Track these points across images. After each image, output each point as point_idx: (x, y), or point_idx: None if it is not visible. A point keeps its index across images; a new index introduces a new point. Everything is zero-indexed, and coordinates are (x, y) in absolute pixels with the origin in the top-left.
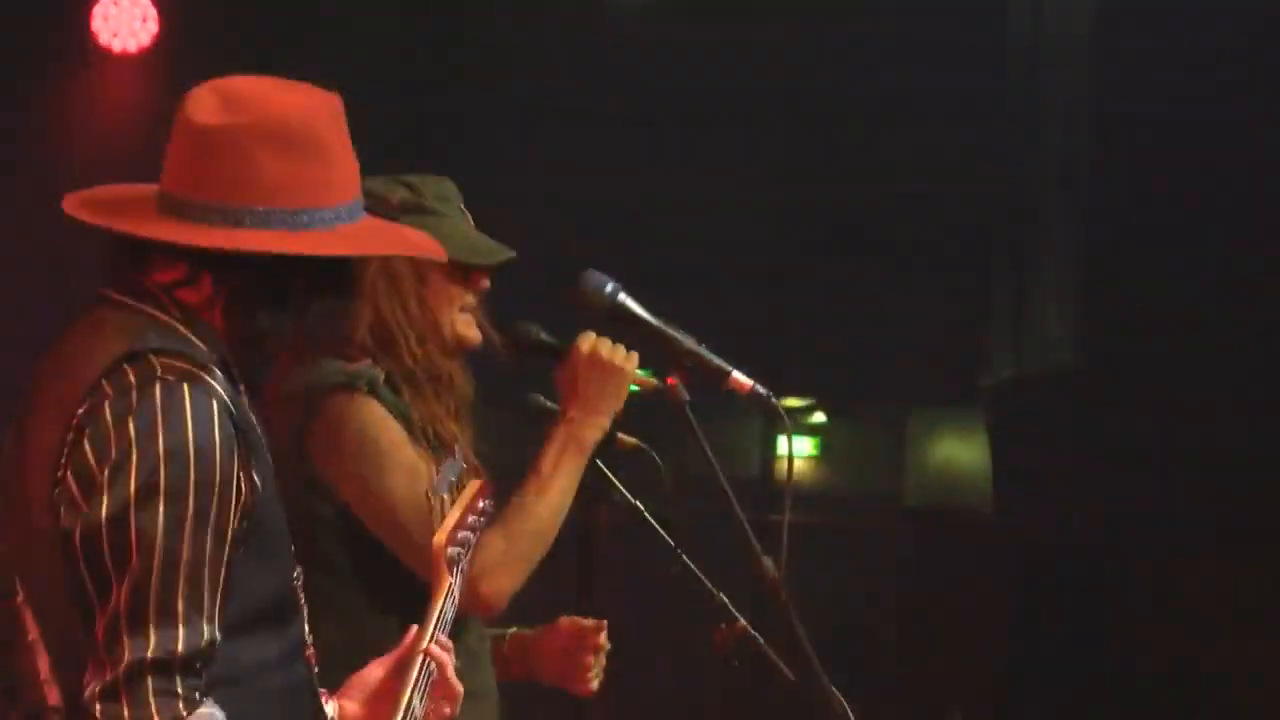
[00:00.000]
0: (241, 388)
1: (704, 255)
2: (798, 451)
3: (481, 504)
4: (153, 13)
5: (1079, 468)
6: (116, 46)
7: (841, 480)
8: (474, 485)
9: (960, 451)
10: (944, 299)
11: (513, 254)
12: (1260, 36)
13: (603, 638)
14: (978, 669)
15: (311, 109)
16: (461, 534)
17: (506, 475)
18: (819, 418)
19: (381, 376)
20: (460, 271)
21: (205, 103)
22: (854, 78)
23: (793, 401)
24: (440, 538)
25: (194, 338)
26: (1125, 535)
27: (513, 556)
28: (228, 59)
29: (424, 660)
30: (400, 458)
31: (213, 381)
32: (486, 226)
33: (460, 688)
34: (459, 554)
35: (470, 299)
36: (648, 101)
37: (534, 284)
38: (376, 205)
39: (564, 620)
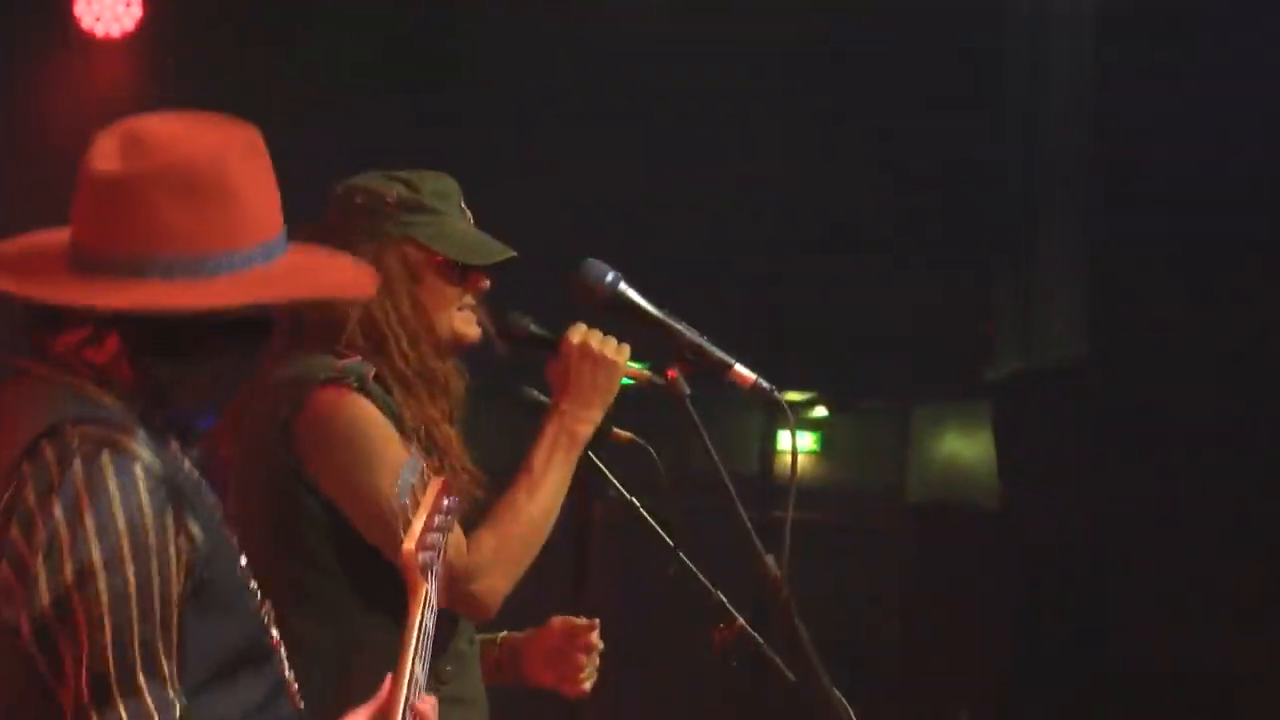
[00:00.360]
0: (168, 438)
1: (705, 248)
2: (799, 447)
3: (445, 502)
4: None
5: (1085, 464)
6: (99, 31)
7: (843, 476)
8: (435, 485)
9: (964, 447)
10: (947, 292)
11: (513, 253)
12: (1268, 29)
13: (595, 637)
14: (981, 668)
15: (219, 150)
16: (430, 537)
17: (501, 471)
18: (820, 412)
19: (371, 373)
20: (458, 271)
21: (106, 149)
22: (853, 72)
23: (794, 396)
24: (410, 545)
25: (108, 398)
26: (1131, 532)
27: (505, 556)
28: (213, 44)
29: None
30: (388, 455)
31: (135, 445)
32: (485, 223)
33: None
34: (430, 558)
35: (469, 299)
36: (646, 96)
37: (531, 278)
38: (372, 202)
39: (556, 620)
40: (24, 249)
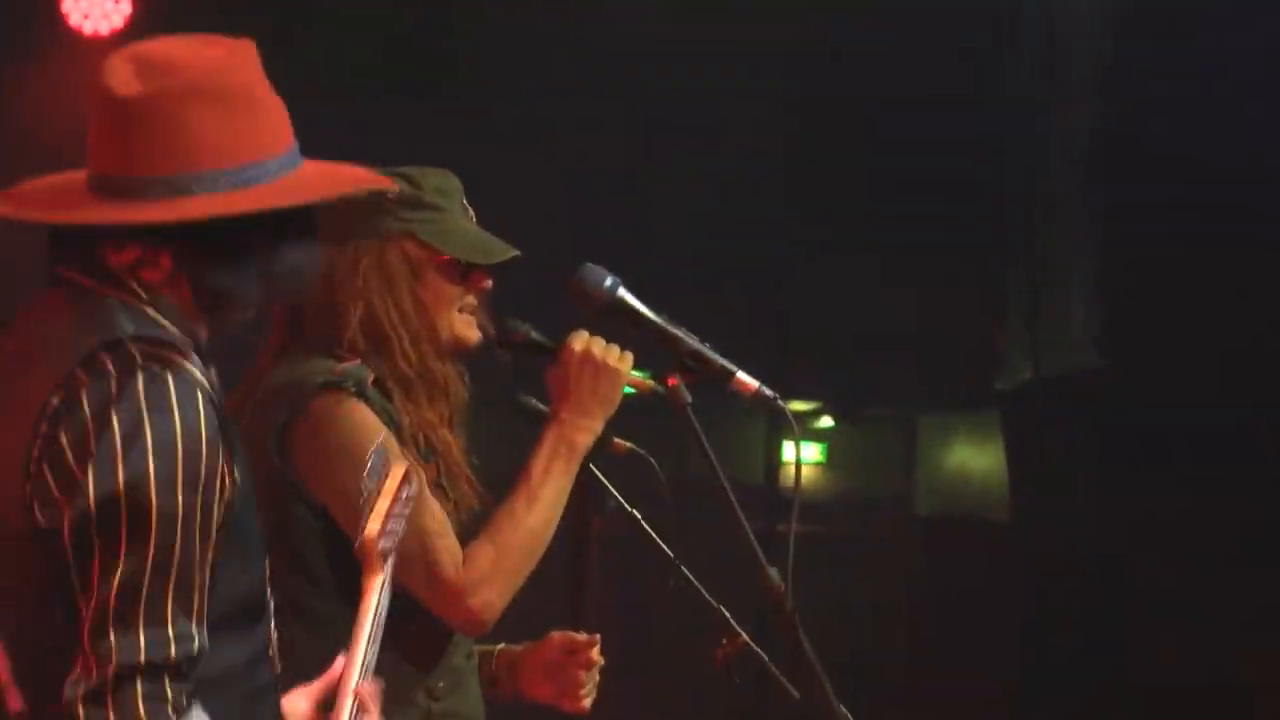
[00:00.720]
0: (210, 367)
1: (705, 251)
2: (804, 458)
3: (405, 492)
4: None
5: (1100, 474)
6: (87, 29)
7: (849, 487)
8: (398, 470)
9: (974, 457)
10: (956, 297)
11: (516, 252)
12: None
13: (596, 652)
14: (989, 682)
15: (232, 62)
16: (391, 524)
17: (500, 480)
18: (825, 422)
19: (371, 378)
20: (460, 270)
21: (122, 73)
22: (857, 72)
23: (798, 405)
24: (372, 529)
25: (165, 321)
26: (1144, 543)
27: (503, 569)
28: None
29: (353, 702)
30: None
31: (194, 369)
32: (484, 226)
33: None
34: (389, 546)
35: (470, 299)
36: (646, 97)
37: (531, 282)
38: (375, 198)
39: (555, 635)
40: (28, 191)
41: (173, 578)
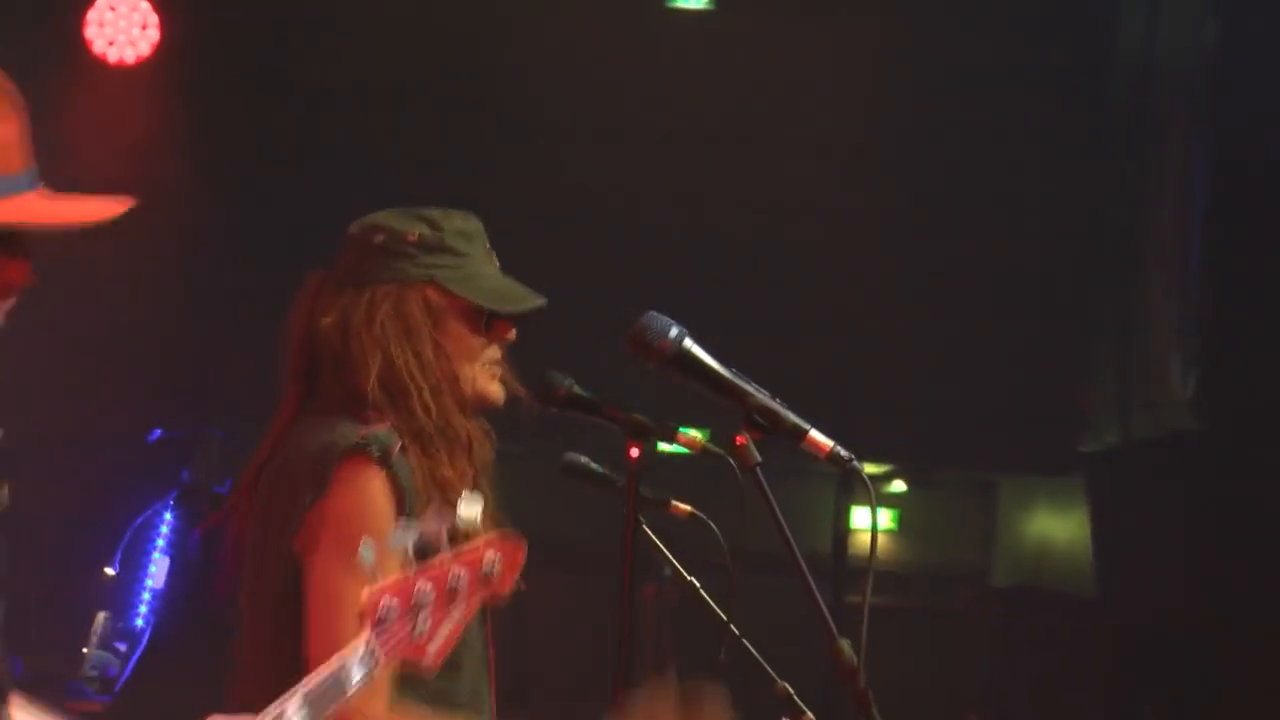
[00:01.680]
0: None
1: (768, 296)
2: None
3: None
4: (154, 19)
5: (1189, 544)
6: (112, 56)
7: (923, 557)
8: (446, 564)
9: (1056, 526)
10: (1041, 351)
11: (542, 301)
12: None
13: None
14: None
15: None
16: (392, 600)
17: (540, 543)
18: (898, 486)
19: (398, 445)
20: (483, 320)
21: None
22: (943, 113)
23: (868, 468)
24: (379, 588)
25: None
26: (1241, 617)
27: None
28: (231, 70)
29: None
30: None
31: None
32: (543, 273)
33: None
34: (390, 611)
35: (494, 351)
36: (713, 132)
37: (592, 336)
38: (392, 242)
39: None
40: None
41: None
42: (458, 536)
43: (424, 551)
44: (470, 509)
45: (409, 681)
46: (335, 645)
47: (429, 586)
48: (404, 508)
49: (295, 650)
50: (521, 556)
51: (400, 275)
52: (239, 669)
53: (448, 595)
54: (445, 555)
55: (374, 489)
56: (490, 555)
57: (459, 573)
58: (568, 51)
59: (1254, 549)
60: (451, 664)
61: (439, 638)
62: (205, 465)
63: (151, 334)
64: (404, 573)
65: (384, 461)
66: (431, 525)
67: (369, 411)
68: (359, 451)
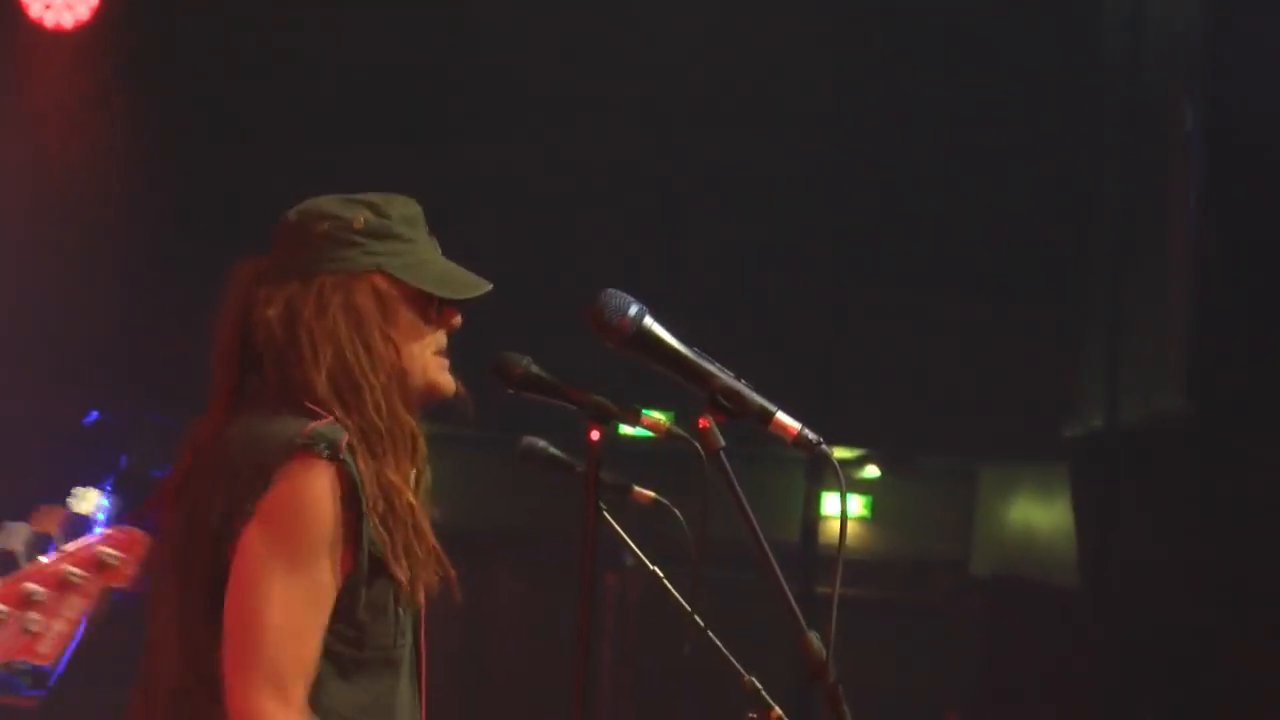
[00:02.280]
0: None
1: (737, 277)
2: (848, 511)
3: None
4: None
5: (1183, 534)
6: (49, 21)
7: (897, 545)
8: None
9: (1039, 514)
10: (1024, 333)
11: (489, 285)
12: None
13: None
14: None
15: None
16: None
17: (504, 533)
18: (871, 471)
19: (345, 439)
20: (433, 307)
21: None
22: (922, 105)
23: (841, 453)
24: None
25: None
26: (1238, 613)
27: None
28: (172, 36)
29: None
30: (311, 574)
31: None
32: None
33: None
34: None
35: (443, 338)
36: (695, 113)
37: (566, 319)
38: (337, 230)
39: None
40: None
41: None
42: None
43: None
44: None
45: (334, 682)
46: (259, 642)
47: (39, 587)
48: (353, 502)
49: (217, 666)
50: (140, 544)
51: (348, 264)
52: (149, 677)
53: (59, 592)
54: (57, 554)
55: (321, 485)
56: (105, 549)
57: (71, 570)
58: (521, 21)
59: (1245, 537)
60: (389, 662)
61: (51, 635)
62: (145, 450)
63: (87, 309)
64: (8, 577)
65: (333, 457)
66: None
67: (313, 406)
68: (305, 448)
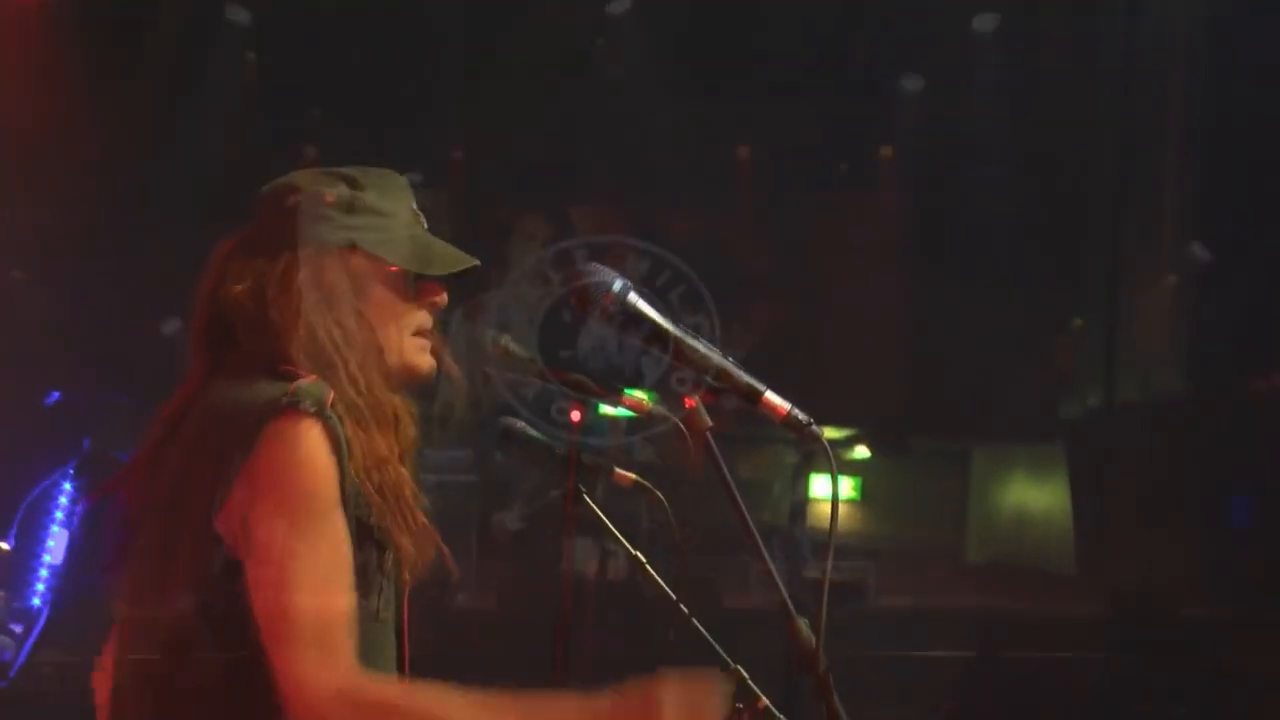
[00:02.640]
0: None
1: (729, 248)
2: (839, 494)
3: None
4: None
5: (1185, 518)
6: None
7: (888, 529)
8: None
9: (1034, 497)
10: (1020, 310)
11: (474, 261)
12: None
13: None
14: None
15: None
16: None
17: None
18: (861, 452)
19: (329, 396)
20: (410, 284)
21: None
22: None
23: (829, 433)
24: None
25: None
26: (1242, 601)
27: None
28: (138, 7)
29: None
30: (325, 527)
31: None
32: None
33: None
34: None
35: (423, 318)
36: (678, 80)
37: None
38: (310, 204)
39: None
40: None
41: None
42: None
43: None
44: None
45: None
46: (292, 606)
47: None
48: (341, 459)
49: (216, 636)
50: None
51: (318, 239)
52: (122, 664)
53: None
54: None
55: (311, 441)
56: None
57: None
58: None
59: (1249, 520)
60: (373, 631)
61: None
62: (109, 432)
63: (47, 288)
64: None
65: (319, 413)
66: None
67: (291, 369)
68: (289, 406)
